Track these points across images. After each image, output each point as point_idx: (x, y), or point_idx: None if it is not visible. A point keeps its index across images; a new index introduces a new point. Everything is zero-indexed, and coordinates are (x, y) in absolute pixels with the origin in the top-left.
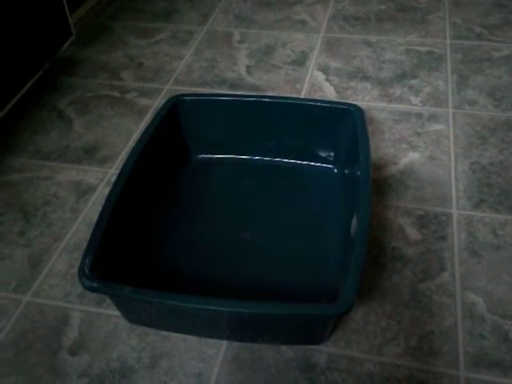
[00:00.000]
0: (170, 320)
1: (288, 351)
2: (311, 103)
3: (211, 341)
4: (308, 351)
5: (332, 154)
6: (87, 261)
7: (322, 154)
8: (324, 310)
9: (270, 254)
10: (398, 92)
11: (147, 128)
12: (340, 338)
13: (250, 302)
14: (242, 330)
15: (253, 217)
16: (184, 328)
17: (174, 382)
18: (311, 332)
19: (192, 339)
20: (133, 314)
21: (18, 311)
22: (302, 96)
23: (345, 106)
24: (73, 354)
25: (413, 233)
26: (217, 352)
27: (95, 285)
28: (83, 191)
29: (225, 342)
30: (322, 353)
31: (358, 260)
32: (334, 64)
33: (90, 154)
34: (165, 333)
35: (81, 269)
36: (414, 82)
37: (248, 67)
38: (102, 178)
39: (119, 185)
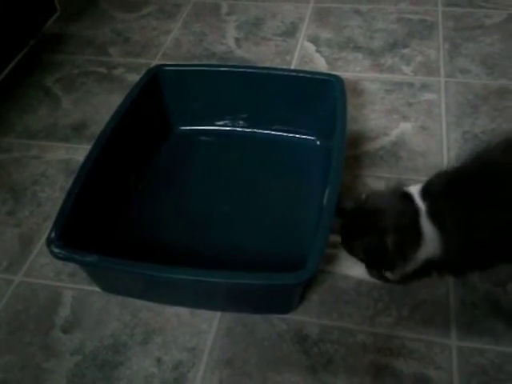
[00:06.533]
0: (139, 288)
1: (281, 324)
2: (292, 74)
3: (204, 315)
4: (300, 323)
5: (315, 125)
6: (56, 229)
7: (305, 126)
8: (285, 279)
9: (248, 225)
10: (390, 62)
11: (125, 99)
12: (332, 310)
13: (213, 271)
14: (209, 298)
15: (233, 189)
16: (151, 296)
17: (167, 357)
18: (279, 300)
19: (184, 314)
20: (104, 283)
21: (9, 291)
22: (293, 68)
23: (325, 77)
24: (65, 332)
25: None
26: (209, 326)
27: (63, 252)
28: (72, 170)
29: (218, 316)
30: (314, 325)
31: (323, 230)
32: (325, 35)
33: (79, 131)
34: (157, 309)
35: (49, 236)
36: (405, 51)
37: (237, 40)
38: None
39: (93, 155)
